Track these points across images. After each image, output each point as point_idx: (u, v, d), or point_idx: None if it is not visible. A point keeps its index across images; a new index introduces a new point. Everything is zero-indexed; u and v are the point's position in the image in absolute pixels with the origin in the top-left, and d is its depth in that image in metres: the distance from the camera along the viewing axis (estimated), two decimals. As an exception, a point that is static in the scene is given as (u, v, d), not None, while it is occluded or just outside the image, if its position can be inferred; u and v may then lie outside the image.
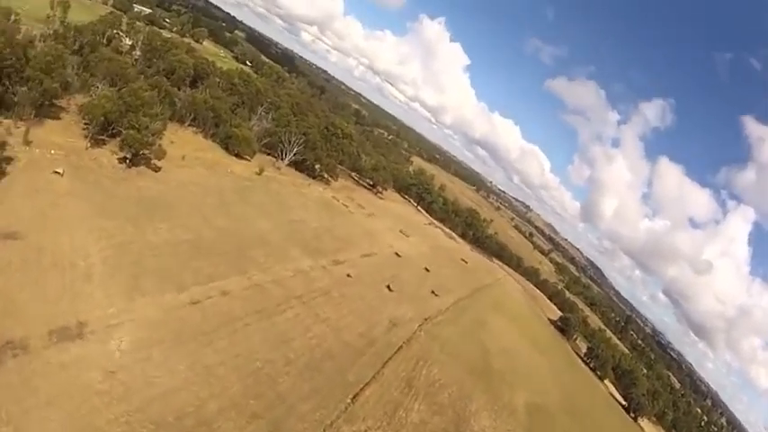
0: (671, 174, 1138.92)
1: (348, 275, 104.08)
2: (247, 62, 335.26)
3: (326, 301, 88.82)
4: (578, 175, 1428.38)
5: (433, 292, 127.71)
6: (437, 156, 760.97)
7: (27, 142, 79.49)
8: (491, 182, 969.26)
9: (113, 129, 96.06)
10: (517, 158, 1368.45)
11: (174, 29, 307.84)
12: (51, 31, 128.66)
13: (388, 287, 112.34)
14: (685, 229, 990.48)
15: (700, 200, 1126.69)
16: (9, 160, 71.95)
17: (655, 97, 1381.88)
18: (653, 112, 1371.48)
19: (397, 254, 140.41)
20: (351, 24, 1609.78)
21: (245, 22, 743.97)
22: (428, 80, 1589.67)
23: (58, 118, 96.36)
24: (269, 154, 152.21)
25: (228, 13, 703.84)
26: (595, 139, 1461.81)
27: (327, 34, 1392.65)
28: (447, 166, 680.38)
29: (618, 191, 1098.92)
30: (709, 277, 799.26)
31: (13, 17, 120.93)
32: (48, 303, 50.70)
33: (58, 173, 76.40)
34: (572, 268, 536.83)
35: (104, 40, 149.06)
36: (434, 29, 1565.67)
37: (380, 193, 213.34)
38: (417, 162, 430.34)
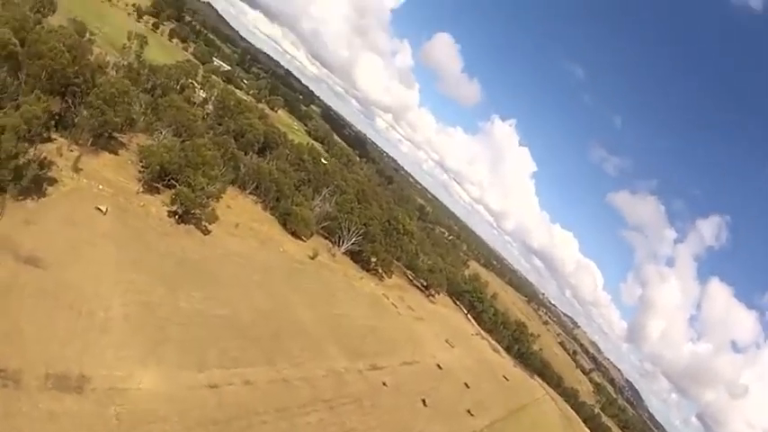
0: (720, 295, 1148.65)
1: (384, 384, 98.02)
2: (321, 141, 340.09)
3: (356, 408, 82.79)
4: (630, 294, 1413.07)
5: (468, 411, 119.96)
6: (494, 262, 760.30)
7: (76, 169, 78.93)
8: (543, 294, 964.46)
9: (170, 178, 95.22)
10: (572, 272, 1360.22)
11: (251, 92, 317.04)
12: (125, 63, 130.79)
13: (423, 401, 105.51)
14: (727, 352, 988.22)
15: (745, 322, 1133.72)
16: (53, 182, 71.19)
17: (712, 214, 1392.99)
18: (709, 229, 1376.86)
19: (438, 365, 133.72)
20: (424, 117, 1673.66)
21: (322, 98, 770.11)
22: (494, 183, 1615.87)
23: (116, 153, 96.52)
24: (326, 238, 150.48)
25: (307, 87, 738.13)
26: (651, 257, 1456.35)
27: (401, 124, 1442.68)
28: (502, 274, 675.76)
29: (666, 312, 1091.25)
30: (744, 401, 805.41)
31: (87, 35, 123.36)
32: (53, 344, 47.51)
33: (101, 210, 74.88)
34: (610, 389, 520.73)
35: (178, 87, 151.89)
36: (505, 131, 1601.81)
37: (433, 296, 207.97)
38: (474, 266, 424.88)
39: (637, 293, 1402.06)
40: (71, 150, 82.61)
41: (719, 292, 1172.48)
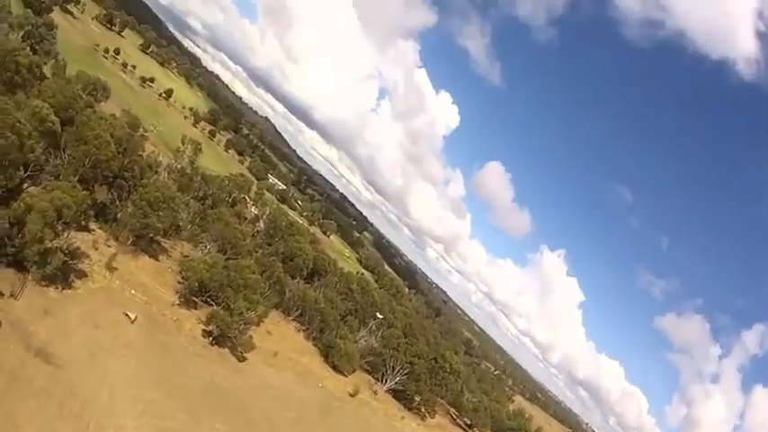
0: (763, 402, 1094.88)
1: None
2: (372, 271, 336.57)
3: None
4: (674, 416, 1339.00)
5: None
6: (539, 395, 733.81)
7: (110, 267, 75.87)
8: (587, 423, 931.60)
9: (209, 295, 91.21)
10: (617, 400, 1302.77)
11: (305, 213, 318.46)
12: (178, 167, 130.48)
13: None
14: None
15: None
16: (82, 275, 67.97)
17: (756, 323, 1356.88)
18: (753, 339, 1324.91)
19: None
20: (475, 248, 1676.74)
21: (375, 224, 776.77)
22: (542, 315, 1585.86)
23: (156, 258, 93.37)
24: (369, 373, 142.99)
25: (361, 212, 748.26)
26: (696, 376, 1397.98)
27: (452, 254, 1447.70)
28: (547, 407, 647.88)
29: (710, 428, 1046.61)
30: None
31: (141, 131, 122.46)
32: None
33: (129, 317, 70.84)
34: None
35: (229, 200, 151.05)
36: (553, 261, 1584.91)
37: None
38: (519, 400, 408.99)
39: (681, 414, 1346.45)
40: (108, 245, 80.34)
41: (763, 398, 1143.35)
